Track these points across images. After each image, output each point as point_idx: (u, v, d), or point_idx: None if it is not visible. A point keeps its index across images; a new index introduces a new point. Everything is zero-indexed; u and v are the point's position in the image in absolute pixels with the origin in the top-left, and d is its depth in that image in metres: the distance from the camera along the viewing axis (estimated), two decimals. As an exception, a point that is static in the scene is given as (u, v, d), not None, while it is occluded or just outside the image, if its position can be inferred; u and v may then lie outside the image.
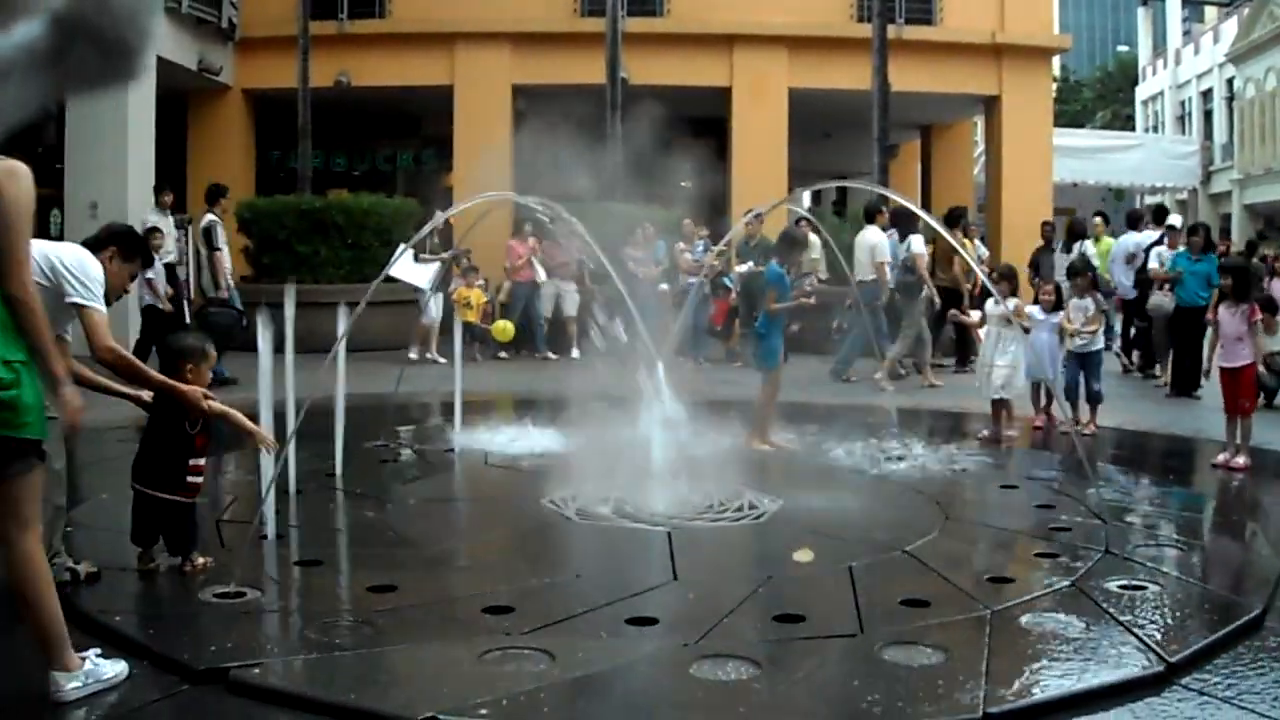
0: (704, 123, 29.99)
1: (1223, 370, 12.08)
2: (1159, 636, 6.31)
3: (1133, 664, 5.95)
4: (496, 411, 15.24)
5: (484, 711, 5.26)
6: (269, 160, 31.20)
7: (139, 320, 17.68)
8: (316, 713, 5.39)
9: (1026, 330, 13.11)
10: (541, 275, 21.84)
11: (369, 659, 6.04)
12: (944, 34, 30.31)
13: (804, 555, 8.03)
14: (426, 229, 15.76)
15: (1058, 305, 13.66)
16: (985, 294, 14.77)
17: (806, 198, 29.47)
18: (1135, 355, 20.68)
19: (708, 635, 6.33)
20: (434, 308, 20.98)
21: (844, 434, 13.23)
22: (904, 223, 19.62)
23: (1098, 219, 23.51)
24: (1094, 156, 47.41)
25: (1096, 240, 22.29)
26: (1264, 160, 49.88)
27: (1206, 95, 60.32)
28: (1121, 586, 7.27)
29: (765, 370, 12.69)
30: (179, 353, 7.46)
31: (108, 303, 6.94)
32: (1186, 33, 65.09)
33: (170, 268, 18.28)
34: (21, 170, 4.42)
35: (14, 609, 5.32)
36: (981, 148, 36.58)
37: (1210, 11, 62.29)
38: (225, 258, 17.94)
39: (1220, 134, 57.42)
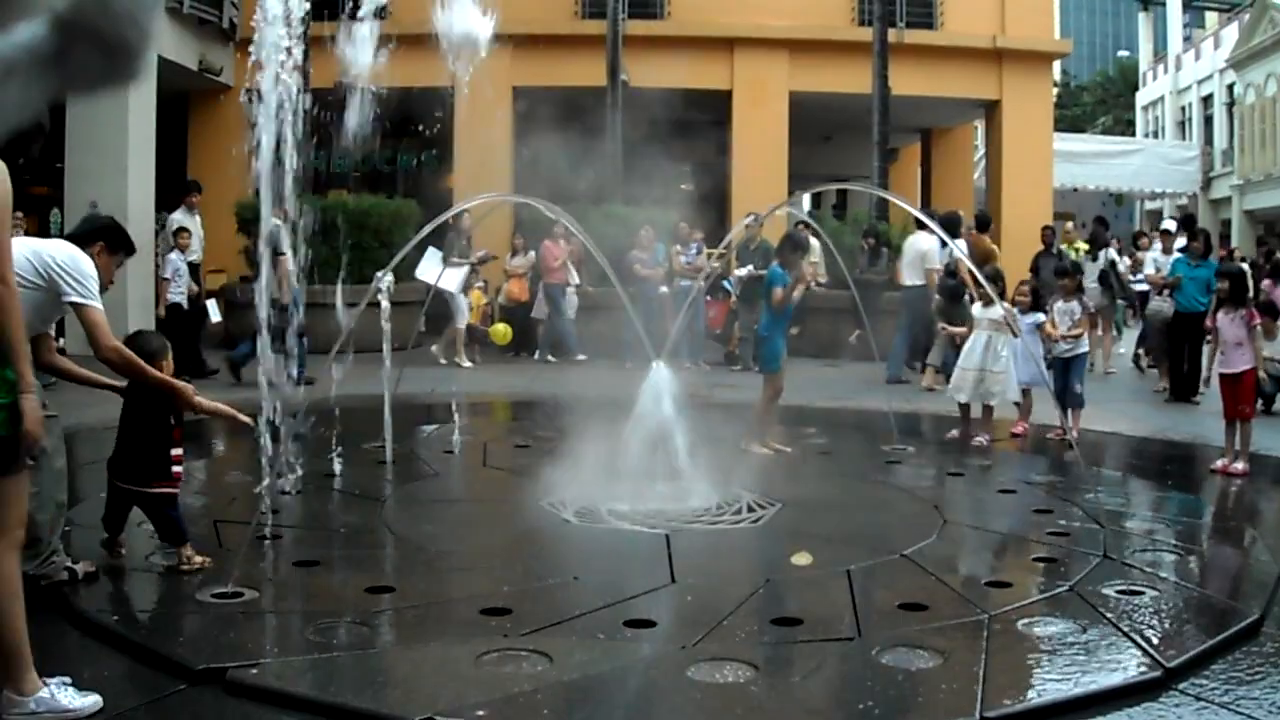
0: (704, 125, 29.98)
1: (1222, 376, 12.08)
2: (1157, 641, 6.31)
3: (1130, 669, 5.96)
4: (497, 413, 15.27)
5: (481, 713, 5.26)
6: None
7: (134, 318, 17.73)
8: (314, 713, 5.39)
9: (1015, 334, 13.07)
10: (575, 278, 21.79)
11: (366, 660, 6.04)
12: (945, 38, 30.31)
13: (802, 558, 8.03)
14: (434, 223, 15.66)
15: (1036, 306, 13.64)
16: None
17: (806, 201, 29.46)
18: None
19: (705, 638, 6.33)
20: (465, 311, 21.01)
21: (843, 437, 13.25)
22: (948, 229, 19.82)
23: (1068, 224, 23.69)
24: (1094, 161, 47.51)
25: (1070, 245, 22.42)
26: (1264, 166, 49.88)
27: (1207, 101, 60.32)
28: (1119, 591, 7.27)
29: (767, 373, 12.70)
30: (152, 353, 7.47)
31: None
32: (1187, 38, 65.12)
33: (195, 267, 18.44)
34: None
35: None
36: (982, 152, 36.58)
37: (1211, 17, 62.39)
38: (290, 263, 18.05)
39: (1221, 139, 57.42)
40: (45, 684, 5.27)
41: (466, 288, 20.92)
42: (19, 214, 16.85)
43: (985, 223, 21.58)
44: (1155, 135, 66.06)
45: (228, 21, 26.98)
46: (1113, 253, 21.72)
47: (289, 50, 8.49)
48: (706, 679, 5.75)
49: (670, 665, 6.01)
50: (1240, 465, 11.67)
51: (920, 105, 30.34)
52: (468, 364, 20.49)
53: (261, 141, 8.18)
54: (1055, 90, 40.80)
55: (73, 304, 6.69)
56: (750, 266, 20.44)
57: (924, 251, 19.28)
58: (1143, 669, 5.94)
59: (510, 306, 22.15)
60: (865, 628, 6.57)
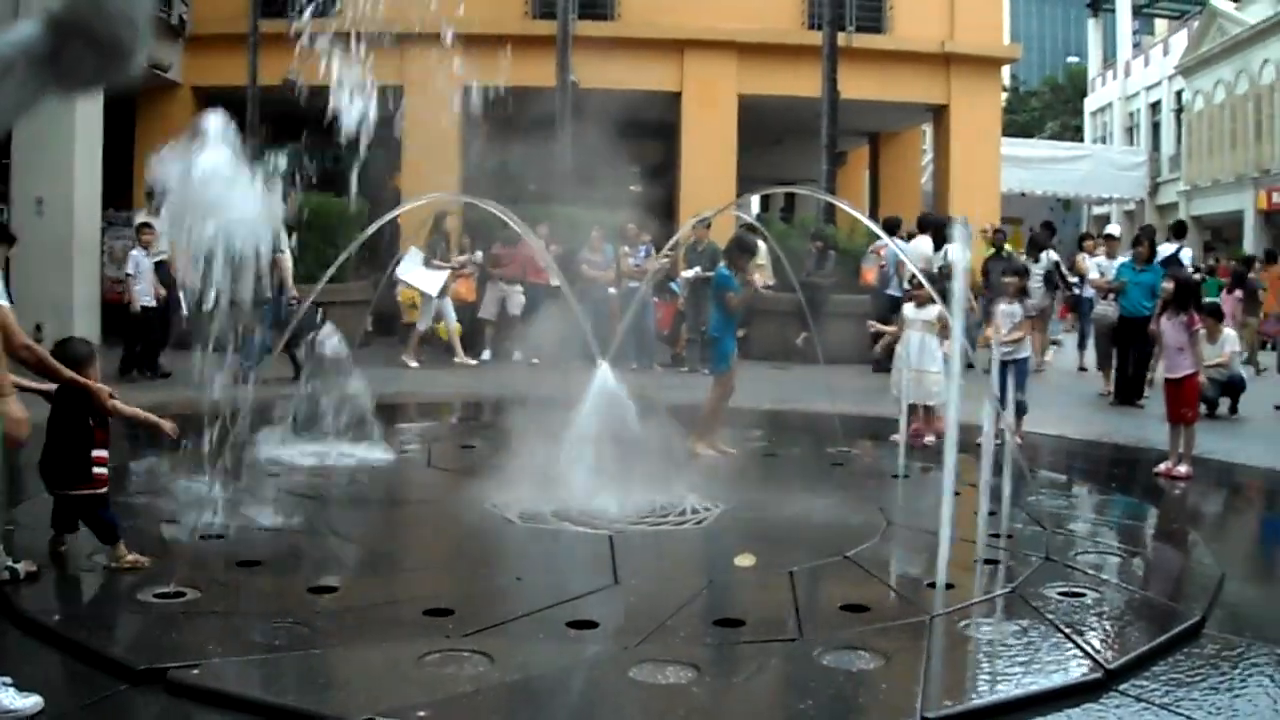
0: (653, 127, 29.99)
1: (1166, 380, 12.16)
2: (1098, 643, 6.34)
3: (1071, 670, 5.98)
4: (443, 414, 15.22)
5: (422, 714, 5.24)
6: (217, 159, 31.00)
7: (81, 319, 17.63)
8: (255, 714, 5.36)
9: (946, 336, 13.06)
10: (555, 280, 21.74)
11: (308, 660, 6.01)
12: (894, 42, 30.39)
13: (745, 560, 8.03)
14: (377, 224, 15.61)
15: (932, 302, 13.68)
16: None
17: (755, 204, 29.50)
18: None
19: (648, 639, 6.33)
20: (450, 314, 21.07)
21: (788, 440, 13.26)
22: (940, 233, 20.09)
23: (988, 226, 23.91)
24: (1042, 167, 47.77)
25: (989, 245, 22.64)
26: (1211, 172, 50.28)
27: (1155, 107, 60.74)
28: (1061, 593, 7.31)
29: (716, 374, 12.70)
30: (79, 359, 7.48)
31: None
32: (1136, 45, 65.53)
33: (163, 265, 18.34)
34: None
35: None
36: (930, 156, 36.70)
37: (1160, 24, 62.82)
38: (288, 260, 18.02)
39: (1168, 146, 57.82)
40: None
41: (444, 291, 20.92)
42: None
43: (891, 228, 21.85)
44: (1103, 141, 66.45)
45: (177, 18, 26.84)
46: (1054, 254, 21.94)
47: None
48: (649, 680, 5.74)
49: (613, 666, 6.00)
50: (1184, 468, 11.75)
51: (869, 109, 30.42)
52: (414, 364, 20.45)
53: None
54: (1005, 96, 40.98)
55: None
56: (698, 268, 20.46)
57: (928, 256, 19.51)
58: (1084, 670, 5.97)
59: (458, 307, 22.09)
60: (807, 629, 6.58)
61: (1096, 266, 20.43)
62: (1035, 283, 19.89)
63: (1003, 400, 13.05)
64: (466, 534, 9.01)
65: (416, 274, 20.37)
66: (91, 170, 21.54)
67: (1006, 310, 13.47)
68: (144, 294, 17.85)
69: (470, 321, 22.06)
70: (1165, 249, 22.66)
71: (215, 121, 8.42)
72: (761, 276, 19.50)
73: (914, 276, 13.83)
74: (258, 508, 9.11)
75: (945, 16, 30.93)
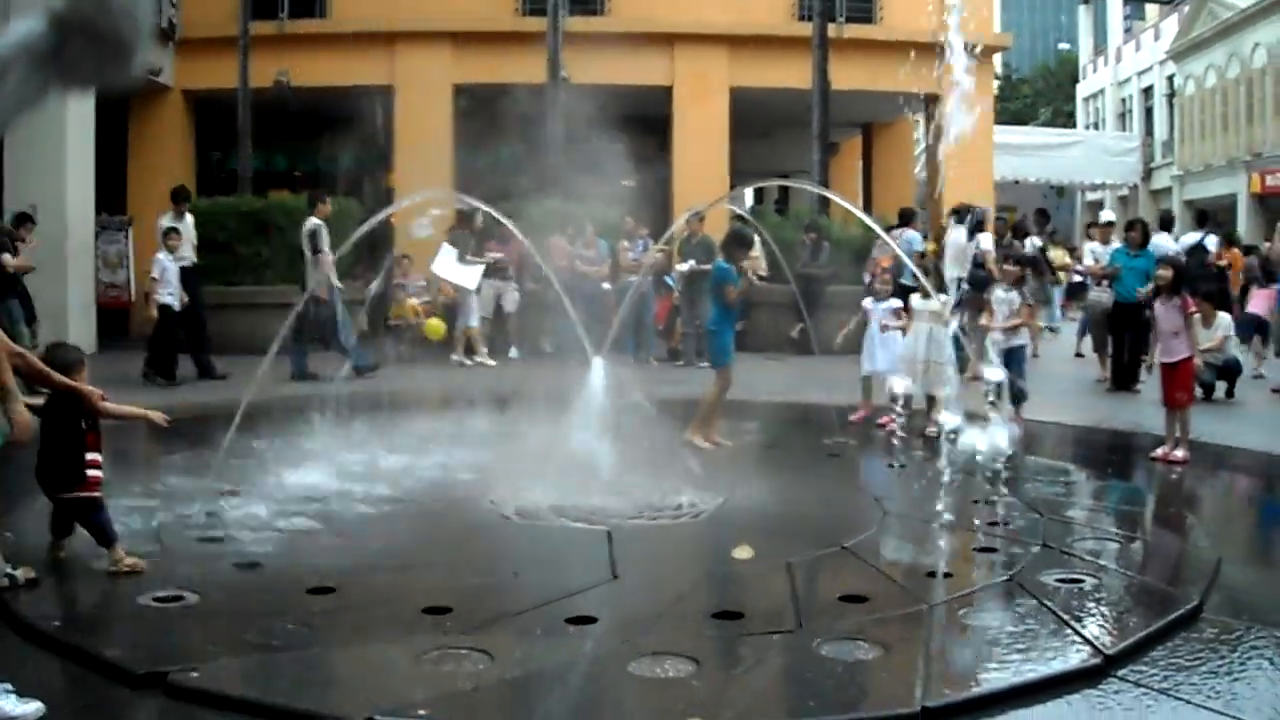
0: (645, 121, 29.98)
1: (1162, 365, 12.14)
2: (1096, 629, 6.34)
3: (1070, 657, 5.98)
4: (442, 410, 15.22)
5: (422, 712, 5.24)
6: (209, 161, 30.94)
7: (75, 322, 17.61)
8: (256, 715, 5.36)
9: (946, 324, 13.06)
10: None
11: (308, 661, 6.02)
12: (884, 32, 30.32)
13: (743, 552, 8.03)
14: (371, 222, 15.61)
15: (899, 293, 13.72)
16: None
17: (749, 196, 29.50)
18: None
19: (646, 633, 6.33)
20: (476, 310, 21.12)
21: (785, 431, 13.26)
22: (1017, 230, 20.38)
23: (951, 217, 24.02)
24: (1035, 154, 47.70)
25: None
26: (1204, 156, 50.24)
27: (1147, 92, 60.68)
28: (1059, 580, 7.31)
29: (718, 367, 12.72)
30: (68, 364, 7.54)
31: None
32: (1127, 30, 65.48)
33: (190, 271, 18.33)
34: None
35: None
36: (923, 146, 36.66)
37: (1151, 9, 62.73)
38: (329, 259, 18.05)
39: (1161, 131, 57.78)
40: None
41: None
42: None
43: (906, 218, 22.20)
44: (1096, 127, 66.44)
45: (167, 22, 26.79)
46: (1038, 240, 21.99)
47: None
48: (648, 673, 5.74)
49: (611, 660, 6.00)
50: (1180, 453, 11.75)
51: (861, 99, 30.36)
52: (491, 362, 20.70)
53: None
54: (996, 84, 40.97)
55: None
56: (692, 261, 20.44)
57: (961, 245, 19.55)
58: (1082, 657, 5.97)
59: (449, 304, 22.06)
60: (806, 620, 6.58)
61: (1091, 252, 20.43)
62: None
63: (999, 388, 13.08)
64: (464, 531, 9.01)
65: (453, 270, 20.40)
66: (84, 174, 21.56)
67: (1003, 297, 13.45)
68: (165, 295, 17.66)
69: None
70: (1190, 237, 22.72)
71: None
72: (752, 266, 19.56)
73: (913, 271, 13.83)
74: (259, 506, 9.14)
75: (936, 5, 30.90)
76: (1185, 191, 51.94)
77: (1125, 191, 57.69)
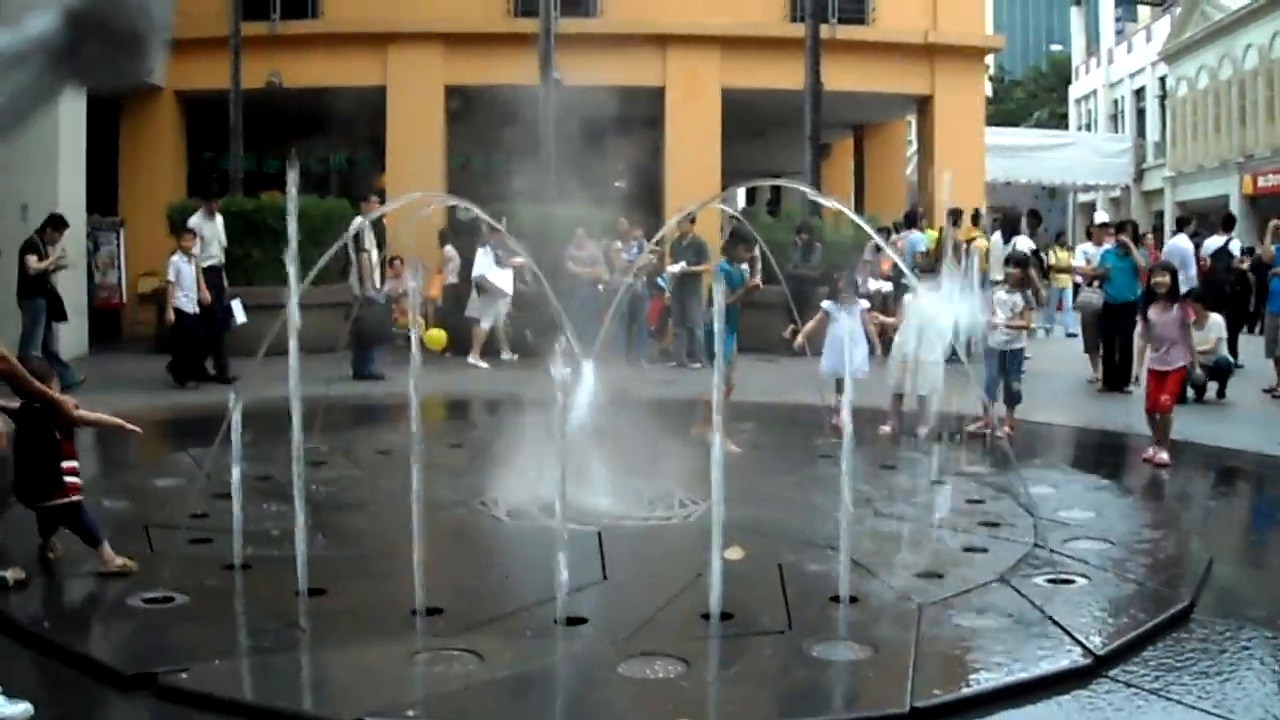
0: (637, 122, 29.99)
1: (1154, 371, 12.06)
2: (1087, 630, 6.35)
3: (1061, 658, 5.99)
4: (432, 413, 15.20)
5: (412, 713, 5.25)
6: (201, 162, 30.92)
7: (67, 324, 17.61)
8: (245, 716, 5.37)
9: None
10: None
11: (298, 662, 6.04)
12: (877, 34, 30.36)
13: (734, 553, 8.00)
14: (358, 222, 15.59)
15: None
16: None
17: (741, 197, 29.51)
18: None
19: (636, 634, 6.34)
20: (504, 313, 21.40)
21: (776, 432, 13.25)
22: (1009, 226, 20.42)
23: (919, 209, 24.14)
24: (1027, 155, 47.79)
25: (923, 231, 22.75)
26: (1196, 158, 50.32)
27: (1139, 94, 60.78)
28: (1050, 580, 7.34)
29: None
30: (41, 374, 7.55)
31: None
32: (1119, 32, 65.59)
33: (215, 271, 18.24)
34: None
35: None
36: (914, 147, 36.70)
37: (1143, 11, 62.82)
38: (374, 259, 18.07)
39: (1153, 132, 57.88)
40: None
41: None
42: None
43: (956, 217, 22.21)
44: (1088, 129, 66.54)
45: (161, 21, 26.72)
46: (1029, 241, 22.03)
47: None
48: (638, 674, 5.76)
49: (601, 661, 6.01)
50: (1165, 455, 11.73)
51: (853, 101, 30.40)
52: (483, 365, 20.70)
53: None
54: (989, 85, 40.99)
55: None
56: (683, 263, 20.44)
57: (1000, 248, 19.83)
58: (1073, 657, 5.98)
59: (444, 310, 22.09)
60: (796, 621, 6.59)
61: (1083, 253, 20.47)
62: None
63: (993, 391, 13.11)
64: (455, 532, 8.99)
65: (494, 273, 20.46)
66: (76, 175, 21.50)
67: (1005, 299, 13.44)
68: (183, 301, 17.39)
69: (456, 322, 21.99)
70: (1214, 241, 22.75)
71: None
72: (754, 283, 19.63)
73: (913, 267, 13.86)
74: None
75: (928, 7, 30.92)
76: (1177, 193, 52.03)
77: (1117, 193, 57.77)
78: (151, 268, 24.42)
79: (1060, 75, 78.33)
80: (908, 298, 13.79)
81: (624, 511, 9.19)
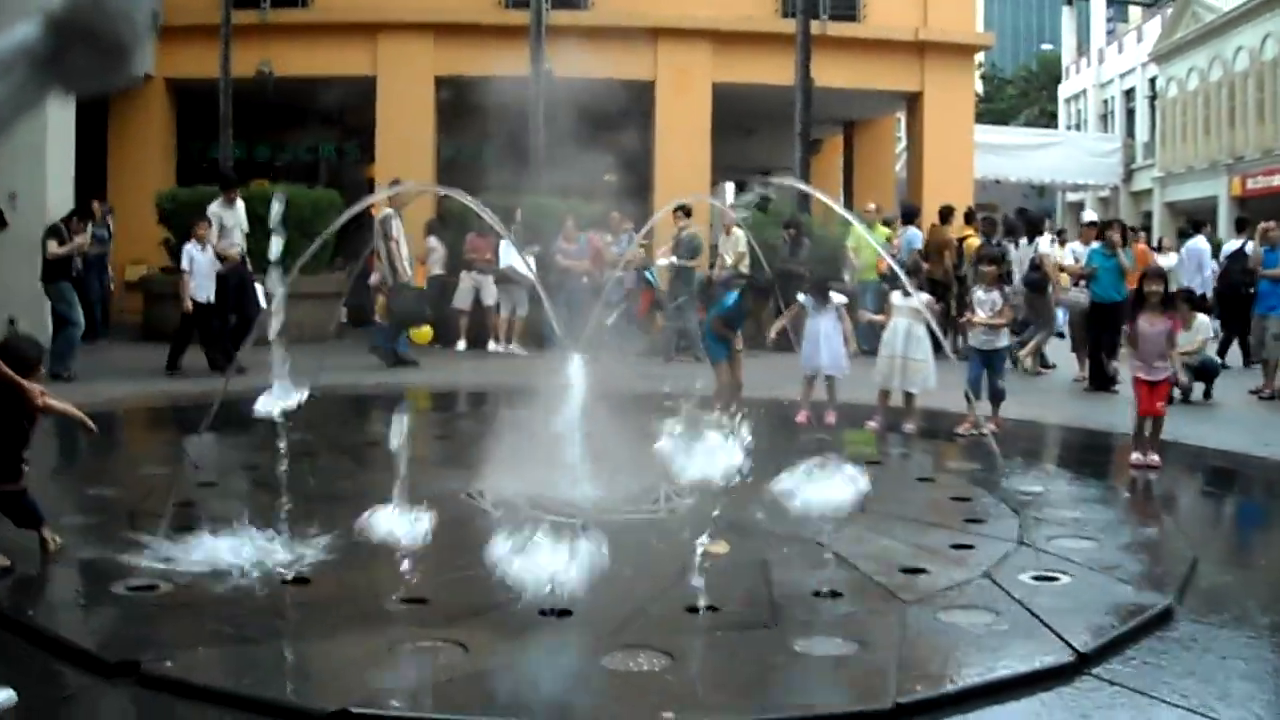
0: (627, 116, 29.98)
1: (1141, 380, 11.97)
2: (1071, 627, 6.33)
3: (1044, 654, 5.98)
4: (420, 404, 15.21)
5: (396, 703, 5.24)
6: (190, 151, 30.84)
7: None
8: (229, 706, 5.34)
9: (931, 323, 13.08)
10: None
11: (282, 651, 6.04)
12: (867, 30, 30.42)
13: (718, 547, 8.02)
14: (349, 213, 15.58)
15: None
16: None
17: (730, 192, 29.51)
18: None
19: (621, 627, 6.33)
20: (525, 302, 21.44)
21: (762, 427, 13.25)
22: (1031, 227, 20.69)
23: (871, 205, 24.19)
24: (1016, 153, 47.83)
25: (871, 227, 22.65)
26: (1185, 159, 50.47)
27: (1129, 94, 60.93)
28: (1034, 578, 7.33)
29: (716, 362, 12.88)
30: (26, 361, 7.58)
31: None
32: (1110, 32, 65.74)
33: (239, 260, 18.18)
34: None
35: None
36: (904, 144, 36.74)
37: (1134, 11, 62.96)
38: (403, 247, 18.12)
39: (1142, 132, 58.02)
40: None
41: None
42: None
43: (946, 214, 23.02)
44: (1077, 128, 66.72)
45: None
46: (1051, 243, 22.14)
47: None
48: (621, 667, 5.75)
49: (585, 654, 6.02)
50: (1156, 456, 11.72)
51: (843, 97, 30.45)
52: (521, 351, 20.91)
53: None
54: (979, 82, 41.05)
55: None
56: (674, 257, 20.46)
57: (1044, 254, 20.02)
58: (1057, 654, 5.97)
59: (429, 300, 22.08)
60: (780, 615, 6.60)
61: (1071, 253, 20.51)
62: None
63: (976, 389, 13.11)
64: (440, 523, 8.96)
65: (516, 261, 20.52)
66: (64, 164, 21.45)
67: (984, 297, 13.42)
68: (197, 290, 17.28)
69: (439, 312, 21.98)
70: (1231, 244, 22.80)
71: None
72: (737, 259, 19.67)
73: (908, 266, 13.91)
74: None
75: (918, 4, 30.98)
76: (1166, 194, 52.18)
77: (1106, 193, 57.91)
78: (140, 256, 24.41)
79: (1051, 74, 78.47)
80: (895, 295, 13.80)
81: (611, 503, 9.18)
